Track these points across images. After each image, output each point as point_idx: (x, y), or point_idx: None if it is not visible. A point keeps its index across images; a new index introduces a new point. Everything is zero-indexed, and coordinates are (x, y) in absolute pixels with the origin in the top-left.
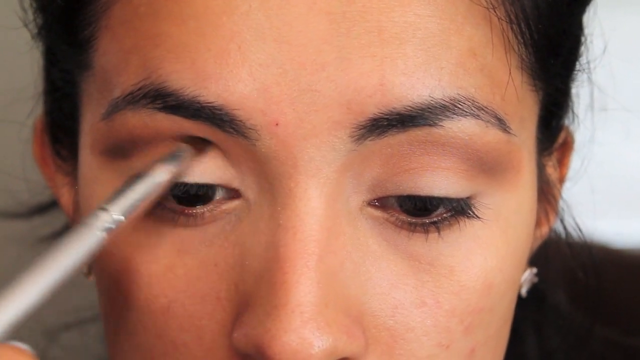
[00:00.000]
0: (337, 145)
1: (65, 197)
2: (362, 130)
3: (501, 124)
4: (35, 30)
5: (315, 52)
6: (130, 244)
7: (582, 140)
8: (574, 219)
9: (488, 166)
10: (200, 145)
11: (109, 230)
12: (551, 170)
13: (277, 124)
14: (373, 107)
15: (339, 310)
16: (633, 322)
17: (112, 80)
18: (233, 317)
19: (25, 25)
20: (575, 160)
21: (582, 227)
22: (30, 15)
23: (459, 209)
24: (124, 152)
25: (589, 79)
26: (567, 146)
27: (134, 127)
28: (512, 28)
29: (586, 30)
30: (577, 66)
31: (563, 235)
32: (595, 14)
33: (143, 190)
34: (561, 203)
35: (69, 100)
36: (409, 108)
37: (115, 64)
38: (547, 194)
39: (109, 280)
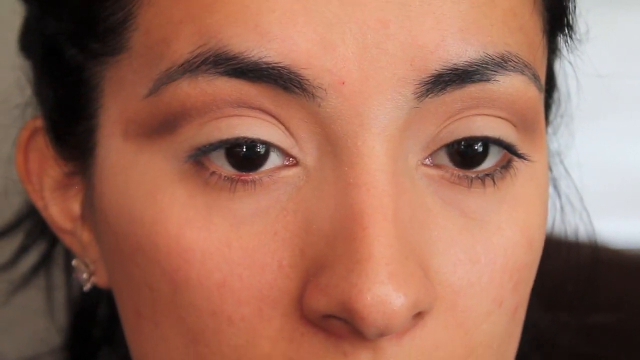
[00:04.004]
0: (400, 102)
1: (59, 206)
2: (425, 87)
3: (537, 82)
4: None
5: (378, 11)
6: (178, 223)
7: (582, 141)
8: (573, 219)
9: (528, 124)
10: None
11: None
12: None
13: (343, 83)
14: (435, 64)
15: (416, 264)
16: (633, 323)
17: (158, 54)
18: (299, 284)
19: None
20: (575, 160)
21: (582, 227)
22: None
23: (512, 150)
24: (171, 126)
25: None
26: None
27: (189, 95)
28: None
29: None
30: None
31: (563, 234)
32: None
33: None
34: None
35: (77, 96)
36: (467, 63)
37: (161, 37)
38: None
39: (149, 266)
